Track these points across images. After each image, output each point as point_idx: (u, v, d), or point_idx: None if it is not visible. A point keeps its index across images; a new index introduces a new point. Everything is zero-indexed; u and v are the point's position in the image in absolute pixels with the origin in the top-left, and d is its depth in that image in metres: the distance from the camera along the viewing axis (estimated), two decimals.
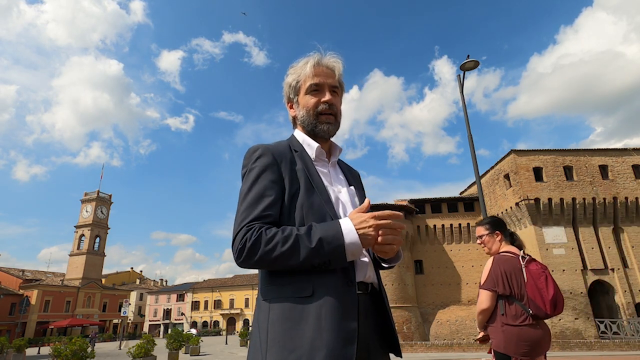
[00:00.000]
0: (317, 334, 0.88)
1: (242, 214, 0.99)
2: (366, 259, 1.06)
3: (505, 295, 2.33)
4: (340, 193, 1.16)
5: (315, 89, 1.19)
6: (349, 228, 0.92)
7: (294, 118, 1.27)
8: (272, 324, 0.92)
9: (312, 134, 1.21)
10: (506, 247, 2.55)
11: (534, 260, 2.46)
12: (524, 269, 2.36)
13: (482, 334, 2.50)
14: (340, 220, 0.95)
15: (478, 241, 2.72)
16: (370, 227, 0.92)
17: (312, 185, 1.08)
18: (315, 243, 0.90)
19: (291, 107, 1.27)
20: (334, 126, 1.21)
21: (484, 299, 2.37)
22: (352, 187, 1.23)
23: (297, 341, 0.88)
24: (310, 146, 1.19)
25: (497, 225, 2.64)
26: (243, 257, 0.93)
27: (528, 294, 2.29)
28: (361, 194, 1.27)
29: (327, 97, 1.18)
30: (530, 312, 2.27)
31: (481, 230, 2.69)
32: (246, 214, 0.99)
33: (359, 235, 0.92)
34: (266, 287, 1.00)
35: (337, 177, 1.22)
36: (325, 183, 1.13)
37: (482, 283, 2.42)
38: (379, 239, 0.93)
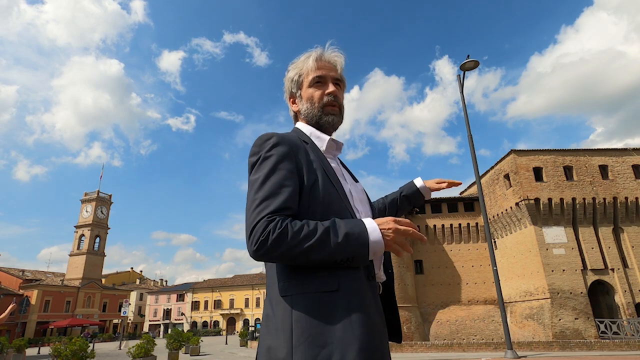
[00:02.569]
0: (348, 329, 0.86)
1: (261, 204, 0.93)
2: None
3: None
4: (351, 187, 1.15)
5: (318, 81, 1.18)
6: (372, 227, 0.92)
7: (297, 113, 1.24)
8: (297, 321, 0.88)
9: (316, 127, 1.20)
10: None
11: None
12: None
13: None
14: (363, 219, 0.95)
15: None
16: (390, 229, 0.93)
17: (329, 178, 1.05)
18: (342, 238, 0.88)
19: (293, 102, 1.24)
20: (339, 118, 1.21)
21: None
22: (359, 184, 1.23)
23: (328, 337, 0.86)
24: (321, 138, 1.16)
25: None
26: (265, 249, 0.87)
27: None
28: None
29: (331, 88, 1.18)
30: None
31: None
32: (266, 204, 0.92)
33: (382, 235, 0.92)
34: (286, 282, 0.95)
35: (345, 172, 1.20)
36: (338, 177, 1.11)
37: None
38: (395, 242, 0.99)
